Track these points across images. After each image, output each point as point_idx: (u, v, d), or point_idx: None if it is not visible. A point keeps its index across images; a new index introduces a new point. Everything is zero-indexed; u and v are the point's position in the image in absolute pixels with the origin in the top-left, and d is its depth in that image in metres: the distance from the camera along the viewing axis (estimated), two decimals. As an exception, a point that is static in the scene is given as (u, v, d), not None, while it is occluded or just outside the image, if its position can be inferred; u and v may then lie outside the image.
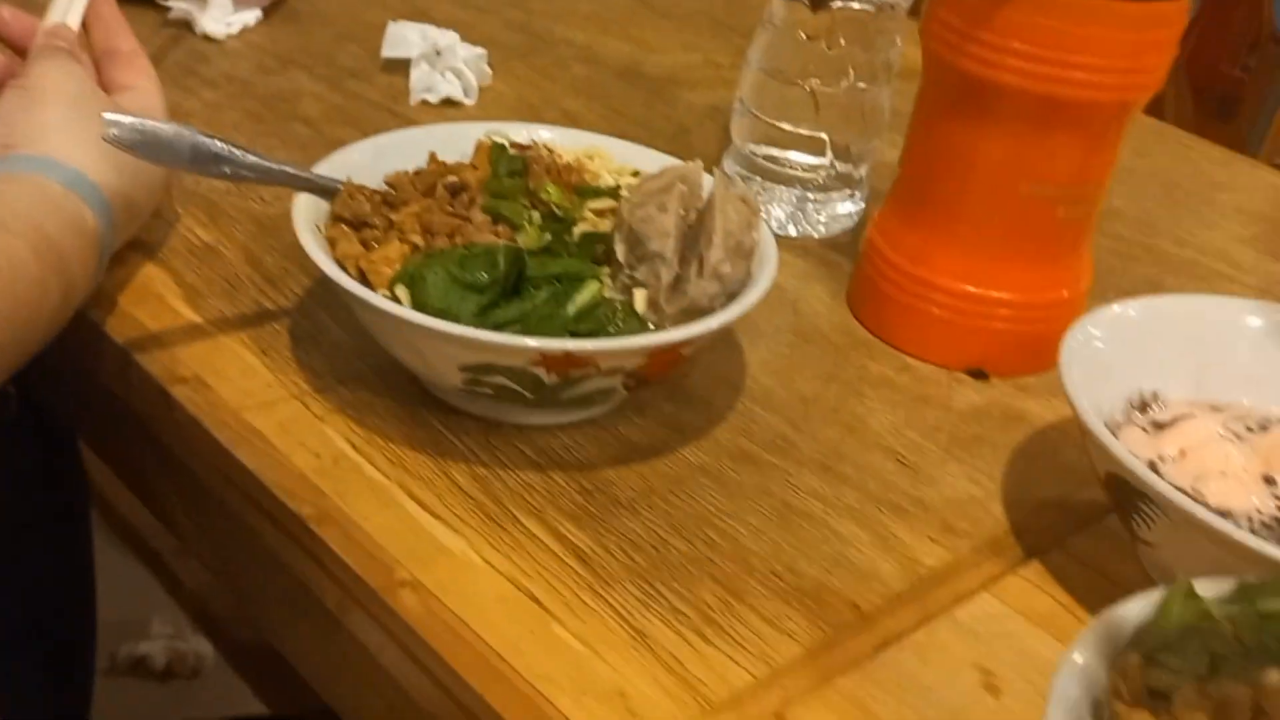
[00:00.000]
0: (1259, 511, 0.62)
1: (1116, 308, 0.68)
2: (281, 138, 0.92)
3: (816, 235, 0.91)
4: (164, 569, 1.79)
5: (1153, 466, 0.63)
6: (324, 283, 0.73)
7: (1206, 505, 0.59)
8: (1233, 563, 0.56)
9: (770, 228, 0.90)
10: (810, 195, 0.90)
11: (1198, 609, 0.47)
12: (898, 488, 0.68)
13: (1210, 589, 0.49)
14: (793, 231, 0.90)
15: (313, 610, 0.60)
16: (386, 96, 1.01)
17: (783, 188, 0.90)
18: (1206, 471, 0.62)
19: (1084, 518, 0.67)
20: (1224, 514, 0.59)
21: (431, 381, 0.65)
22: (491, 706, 0.52)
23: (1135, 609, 0.48)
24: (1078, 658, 0.45)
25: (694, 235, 0.66)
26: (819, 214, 0.90)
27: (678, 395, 0.72)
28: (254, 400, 0.66)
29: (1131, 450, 0.64)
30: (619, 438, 0.68)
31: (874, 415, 0.73)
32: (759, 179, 0.90)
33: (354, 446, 0.64)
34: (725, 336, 0.78)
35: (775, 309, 0.82)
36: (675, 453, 0.68)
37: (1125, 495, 0.59)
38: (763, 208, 0.89)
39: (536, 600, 0.57)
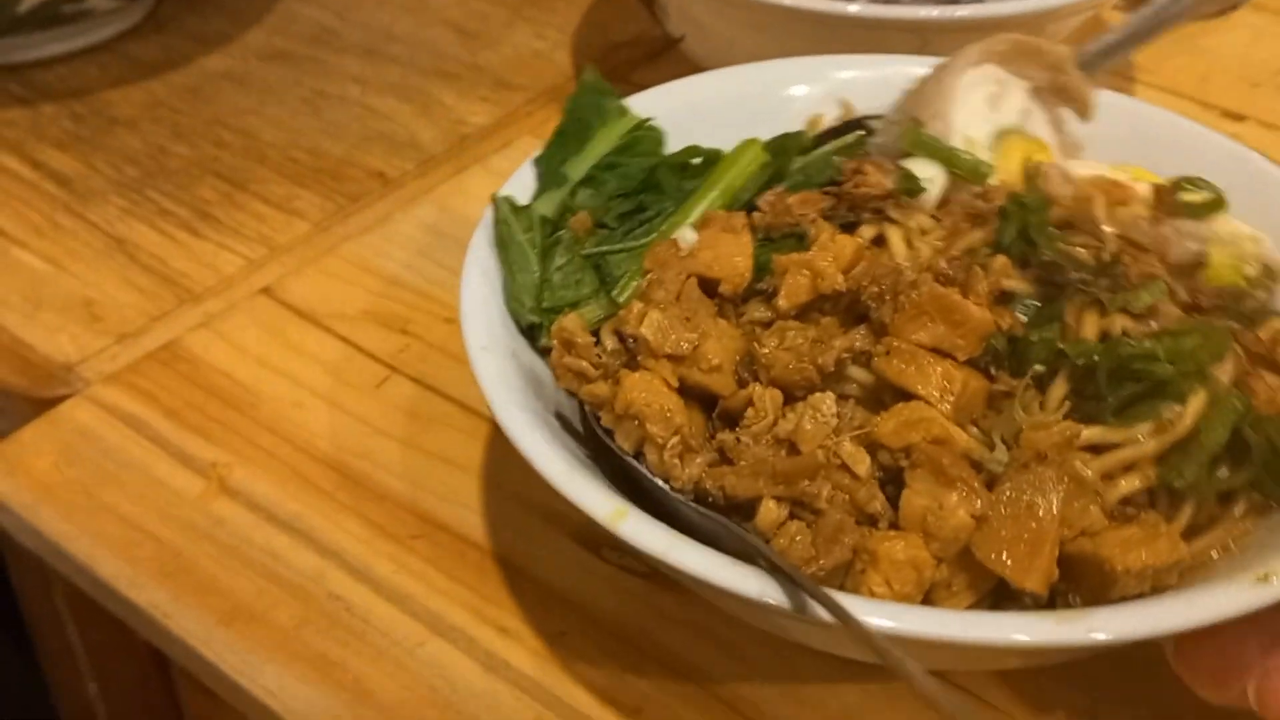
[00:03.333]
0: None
1: None
2: None
3: None
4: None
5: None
6: None
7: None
8: (760, 38, 0.50)
9: None
10: None
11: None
12: (453, 57, 0.61)
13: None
14: None
15: None
16: None
17: None
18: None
19: (654, 50, 0.60)
20: None
21: None
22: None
23: None
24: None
25: None
26: None
27: (206, 6, 0.63)
28: None
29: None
30: (128, 58, 0.60)
31: (438, -9, 0.66)
32: None
33: None
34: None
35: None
36: (194, 63, 0.60)
37: (638, -12, 0.53)
38: None
39: (-1, 230, 0.50)
